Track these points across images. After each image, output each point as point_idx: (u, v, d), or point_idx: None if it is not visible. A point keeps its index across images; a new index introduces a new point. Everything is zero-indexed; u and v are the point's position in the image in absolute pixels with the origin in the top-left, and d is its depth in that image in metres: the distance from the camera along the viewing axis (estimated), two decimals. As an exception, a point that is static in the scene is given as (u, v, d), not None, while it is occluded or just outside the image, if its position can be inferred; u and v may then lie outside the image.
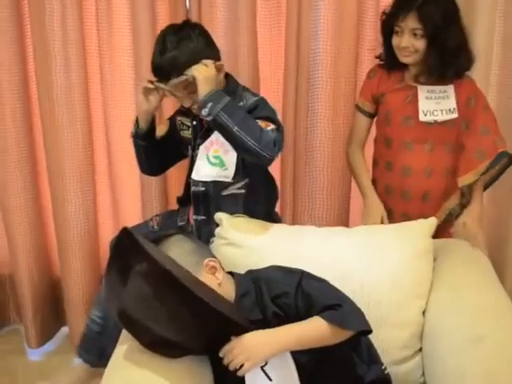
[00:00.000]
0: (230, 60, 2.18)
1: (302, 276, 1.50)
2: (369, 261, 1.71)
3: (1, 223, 2.49)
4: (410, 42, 1.90)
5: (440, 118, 1.97)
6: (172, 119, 2.04)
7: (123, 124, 2.38)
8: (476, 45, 2.01)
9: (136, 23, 2.21)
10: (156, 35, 1.95)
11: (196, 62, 1.75)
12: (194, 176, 1.88)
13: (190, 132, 1.96)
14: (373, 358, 1.56)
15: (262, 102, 1.87)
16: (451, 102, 1.96)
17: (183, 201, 2.06)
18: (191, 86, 1.76)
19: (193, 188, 1.92)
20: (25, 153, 2.36)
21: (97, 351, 2.02)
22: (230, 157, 1.83)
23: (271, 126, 1.76)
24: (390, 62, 2.02)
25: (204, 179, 1.87)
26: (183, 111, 1.98)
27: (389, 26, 1.95)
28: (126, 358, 1.42)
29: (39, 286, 2.50)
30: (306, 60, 2.23)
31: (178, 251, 1.55)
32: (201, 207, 1.93)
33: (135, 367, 1.38)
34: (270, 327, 1.43)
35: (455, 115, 1.97)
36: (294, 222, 2.41)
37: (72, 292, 2.44)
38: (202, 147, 1.87)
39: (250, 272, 1.61)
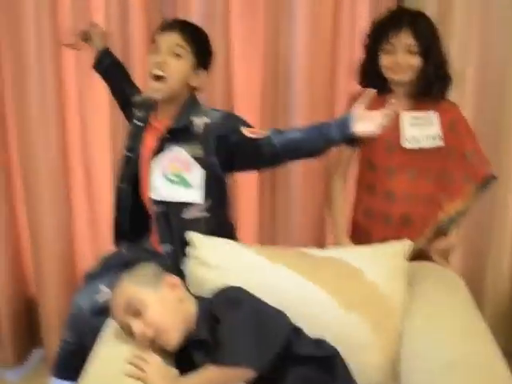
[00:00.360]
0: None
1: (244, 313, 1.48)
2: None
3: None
4: (406, 59, 1.87)
5: (425, 144, 1.93)
6: (131, 103, 2.01)
7: (100, 138, 2.40)
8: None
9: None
10: (130, 46, 2.19)
11: (200, 44, 1.82)
12: (153, 196, 1.82)
13: (132, 127, 1.94)
14: (346, 378, 1.54)
15: (232, 114, 1.87)
16: (435, 129, 1.93)
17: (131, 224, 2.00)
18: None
19: (154, 209, 1.84)
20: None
21: (75, 369, 1.97)
22: (195, 175, 1.79)
23: (259, 133, 1.75)
24: (374, 85, 1.86)
25: (166, 199, 1.81)
26: (140, 102, 1.97)
27: (374, 46, 1.91)
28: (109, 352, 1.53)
29: (15, 305, 2.47)
30: (283, 79, 2.24)
31: (141, 268, 1.61)
32: (165, 234, 1.85)
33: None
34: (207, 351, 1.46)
35: (440, 143, 1.93)
36: (271, 242, 2.40)
37: (47, 312, 2.42)
38: (156, 164, 1.81)
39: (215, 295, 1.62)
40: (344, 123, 1.64)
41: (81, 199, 2.52)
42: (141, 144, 1.89)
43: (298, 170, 2.28)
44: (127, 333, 1.52)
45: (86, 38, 2.12)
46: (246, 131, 1.75)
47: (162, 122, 1.85)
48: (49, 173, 2.31)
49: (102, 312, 1.80)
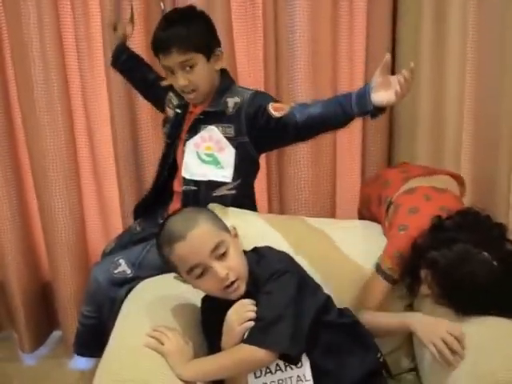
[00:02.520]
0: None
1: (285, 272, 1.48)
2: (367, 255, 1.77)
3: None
4: None
5: None
6: (164, 89, 1.99)
7: (104, 119, 2.40)
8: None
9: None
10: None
11: (197, 40, 1.75)
12: (185, 174, 1.85)
13: (171, 115, 1.95)
14: (368, 342, 1.58)
15: (261, 92, 1.87)
16: None
17: (151, 202, 2.04)
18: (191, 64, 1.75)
19: (184, 188, 1.87)
20: (7, 155, 2.36)
21: (95, 344, 2.00)
22: (227, 155, 1.81)
23: (285, 109, 1.73)
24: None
25: (198, 178, 1.84)
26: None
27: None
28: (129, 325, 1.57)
29: (30, 291, 2.50)
30: (285, 54, 2.22)
31: (210, 214, 1.57)
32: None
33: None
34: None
35: None
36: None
37: (62, 294, 2.44)
38: (190, 143, 1.84)
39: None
40: (363, 96, 1.61)
41: (90, 185, 2.54)
42: (180, 130, 1.91)
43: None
44: (195, 275, 1.47)
45: (114, 28, 2.11)
46: (271, 109, 1.74)
47: (199, 107, 1.87)
48: (57, 160, 2.32)
49: (119, 284, 1.84)
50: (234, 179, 1.84)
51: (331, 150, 2.34)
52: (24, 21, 2.17)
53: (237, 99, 1.81)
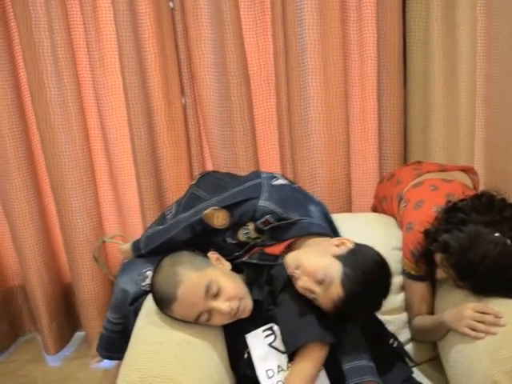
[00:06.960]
0: (217, 52, 2.22)
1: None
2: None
3: (8, 234, 2.52)
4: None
5: None
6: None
7: (118, 118, 2.40)
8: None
9: (119, 20, 2.18)
10: (138, 31, 2.14)
11: None
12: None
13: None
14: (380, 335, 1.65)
15: None
16: None
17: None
18: None
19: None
20: (24, 159, 2.36)
21: (121, 348, 2.00)
22: None
23: None
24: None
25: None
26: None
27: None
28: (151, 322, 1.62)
29: (52, 293, 2.52)
30: (294, 47, 2.22)
31: (179, 256, 1.62)
32: None
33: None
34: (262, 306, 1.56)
35: None
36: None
37: (83, 295, 2.47)
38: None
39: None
40: None
41: (106, 186, 2.55)
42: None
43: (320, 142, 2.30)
44: (204, 321, 1.54)
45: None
46: None
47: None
48: (73, 162, 2.34)
49: (145, 295, 1.83)
50: None
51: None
52: (34, 25, 2.19)
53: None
